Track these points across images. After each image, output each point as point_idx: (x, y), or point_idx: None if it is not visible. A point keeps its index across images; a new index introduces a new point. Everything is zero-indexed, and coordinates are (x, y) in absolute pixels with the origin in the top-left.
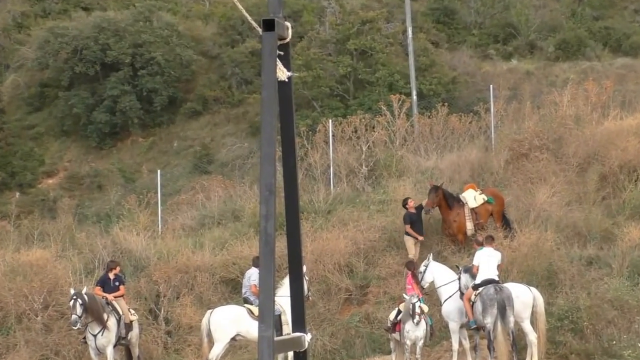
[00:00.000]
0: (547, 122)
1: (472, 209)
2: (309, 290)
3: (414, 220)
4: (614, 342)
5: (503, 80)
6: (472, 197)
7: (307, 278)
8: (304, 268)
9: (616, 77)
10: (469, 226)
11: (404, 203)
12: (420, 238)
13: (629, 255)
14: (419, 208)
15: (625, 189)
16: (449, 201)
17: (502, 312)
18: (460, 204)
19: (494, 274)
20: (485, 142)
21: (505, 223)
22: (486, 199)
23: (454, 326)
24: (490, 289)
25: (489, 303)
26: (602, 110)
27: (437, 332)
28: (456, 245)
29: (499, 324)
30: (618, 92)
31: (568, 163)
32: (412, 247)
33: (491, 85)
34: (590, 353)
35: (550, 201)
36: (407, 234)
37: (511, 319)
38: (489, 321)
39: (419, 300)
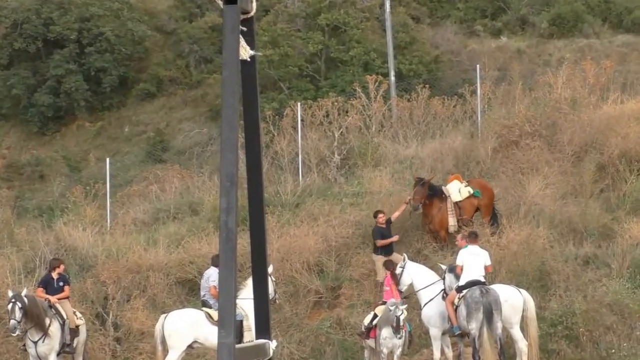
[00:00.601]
0: (539, 106)
1: (456, 203)
2: (275, 292)
3: (385, 236)
4: (613, 350)
5: (491, 59)
6: (457, 190)
7: (273, 279)
8: (270, 268)
9: (617, 56)
10: (452, 222)
11: (375, 215)
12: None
13: (630, 254)
14: (389, 222)
15: (626, 180)
16: (437, 193)
17: (489, 316)
18: (443, 197)
19: (479, 275)
20: (471, 128)
21: (494, 219)
22: (472, 191)
23: (435, 333)
24: (476, 291)
25: (474, 307)
26: (601, 93)
27: (417, 339)
28: (438, 243)
29: (485, 330)
30: (619, 72)
31: (563, 152)
32: (381, 269)
33: (478, 65)
34: None
35: (542, 194)
36: (378, 252)
37: (498, 325)
38: (474, 327)
39: (403, 311)
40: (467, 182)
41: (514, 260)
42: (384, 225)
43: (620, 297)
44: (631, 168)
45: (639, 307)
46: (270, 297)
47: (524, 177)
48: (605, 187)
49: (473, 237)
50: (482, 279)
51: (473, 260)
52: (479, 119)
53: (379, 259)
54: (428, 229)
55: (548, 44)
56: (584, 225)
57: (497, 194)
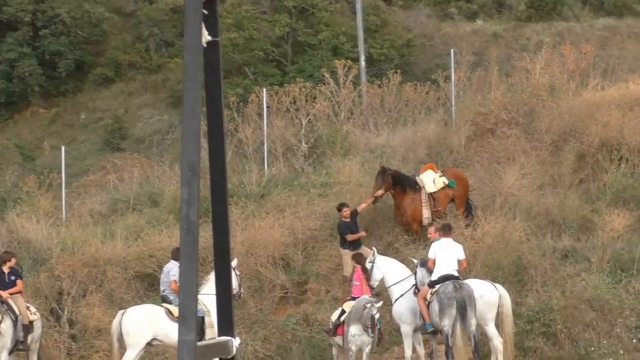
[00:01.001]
0: (516, 92)
1: (430, 194)
2: (239, 287)
3: (352, 230)
4: (593, 348)
5: (466, 43)
6: (431, 180)
7: (237, 273)
8: (234, 261)
9: (597, 41)
10: (426, 214)
11: (339, 209)
12: (364, 234)
13: (611, 247)
14: (355, 214)
15: (606, 170)
16: (402, 185)
17: (462, 313)
18: (417, 188)
19: (452, 269)
20: (445, 115)
21: (468, 210)
22: (447, 182)
23: (406, 330)
24: (449, 286)
25: (447, 303)
26: (581, 79)
27: (387, 337)
28: (410, 236)
29: (458, 326)
30: (599, 57)
31: (540, 140)
32: (349, 263)
33: (452, 50)
34: None
35: (519, 184)
36: (345, 246)
37: (472, 322)
38: (447, 323)
39: (377, 310)
40: (441, 171)
41: (489, 253)
42: (348, 219)
43: (600, 292)
44: (612, 157)
45: (619, 302)
46: (235, 292)
47: (500, 166)
48: (585, 177)
49: (447, 230)
50: (456, 274)
51: (446, 254)
52: (453, 106)
53: (347, 253)
54: (400, 221)
55: (526, 28)
56: (563, 217)
57: (472, 185)
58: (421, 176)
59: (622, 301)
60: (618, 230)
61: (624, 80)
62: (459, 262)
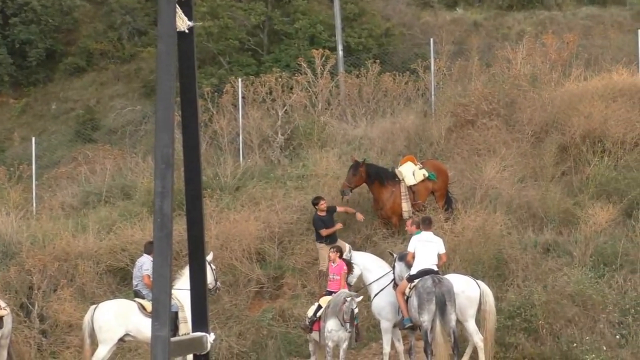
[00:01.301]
0: (497, 83)
1: (410, 187)
2: (216, 281)
3: (327, 225)
4: (575, 344)
5: (446, 32)
6: (411, 173)
7: (213, 267)
8: (210, 255)
9: (580, 30)
10: (405, 207)
11: (315, 202)
12: (360, 216)
13: (593, 241)
14: (332, 210)
15: (589, 162)
16: (379, 178)
17: (442, 308)
18: (396, 180)
19: (432, 264)
20: (424, 106)
21: (448, 203)
22: (427, 174)
23: (386, 325)
24: (428, 281)
25: (426, 297)
26: (563, 70)
27: (365, 333)
28: (389, 229)
29: (437, 322)
30: (582, 47)
31: (522, 132)
32: (325, 258)
33: (432, 39)
34: (547, 357)
35: (500, 177)
36: (321, 240)
37: (452, 317)
38: (426, 319)
39: (357, 305)
40: (421, 163)
41: (469, 247)
42: (324, 213)
43: (582, 287)
44: (595, 149)
45: (602, 298)
46: (211, 286)
47: (480, 158)
48: (567, 169)
49: (427, 223)
50: (435, 268)
51: (426, 248)
52: (433, 96)
53: (322, 248)
54: (379, 214)
55: (507, 17)
56: (544, 210)
57: (452, 177)
58: (400, 168)
59: (605, 296)
60: (601, 224)
61: (608, 70)
62: (439, 256)
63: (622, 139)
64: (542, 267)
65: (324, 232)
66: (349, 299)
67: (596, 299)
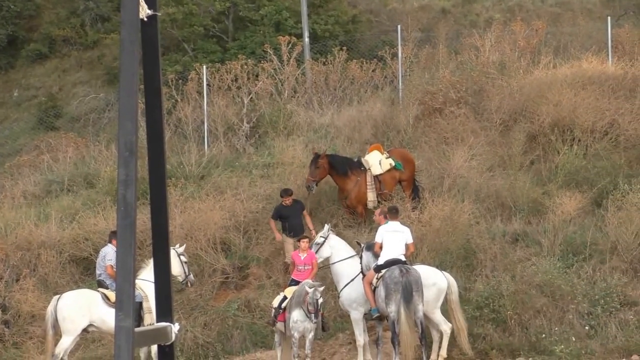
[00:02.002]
0: (465, 70)
1: (376, 177)
2: (187, 275)
3: (287, 216)
4: (544, 335)
5: (413, 19)
6: (377, 162)
7: (184, 259)
8: (182, 247)
9: (549, 17)
10: (371, 197)
11: (281, 195)
12: (279, 237)
13: (562, 230)
14: (298, 204)
15: (558, 151)
16: (344, 168)
17: (408, 298)
18: (362, 169)
19: (399, 254)
20: (392, 94)
21: (415, 192)
22: (394, 163)
23: (357, 316)
24: (395, 271)
25: (393, 288)
26: (532, 57)
27: (332, 323)
28: (355, 219)
29: (403, 312)
30: (551, 34)
31: (490, 120)
32: (290, 250)
33: (399, 26)
34: (515, 348)
35: (468, 166)
36: (285, 232)
37: (419, 307)
38: (393, 309)
39: (321, 295)
40: (388, 152)
41: (436, 237)
42: (289, 203)
43: (551, 277)
44: (564, 138)
45: (570, 288)
46: (180, 279)
47: (448, 147)
48: (536, 158)
49: (394, 213)
50: (403, 258)
51: (393, 238)
52: (400, 84)
53: (288, 241)
54: (344, 204)
55: (475, 4)
56: (513, 199)
57: (419, 166)
58: (367, 157)
59: (574, 286)
60: (570, 213)
61: (577, 58)
62: (407, 246)
63: (592, 128)
64: (510, 257)
65: (271, 223)
66: (311, 289)
67: (565, 289)
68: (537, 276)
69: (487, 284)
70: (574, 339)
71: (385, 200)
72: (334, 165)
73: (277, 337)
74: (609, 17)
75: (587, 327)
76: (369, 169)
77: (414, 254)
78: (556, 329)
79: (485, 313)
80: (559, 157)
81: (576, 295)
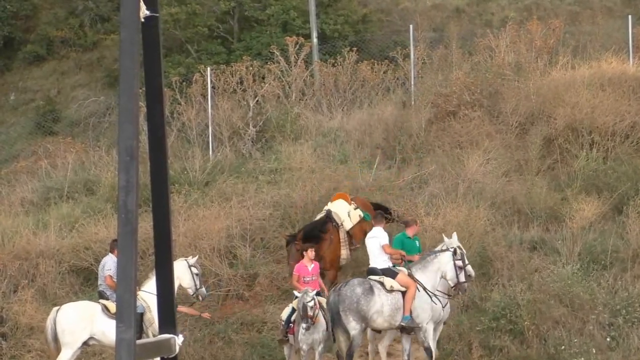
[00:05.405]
0: (480, 72)
1: (347, 231)
2: (198, 287)
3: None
4: (563, 347)
5: (426, 19)
6: (346, 214)
7: (196, 271)
8: (194, 258)
9: (567, 16)
10: (344, 254)
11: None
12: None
13: (582, 238)
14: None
15: (576, 155)
16: (317, 231)
17: (335, 318)
18: (334, 225)
19: (375, 261)
20: (404, 96)
21: None
22: (362, 215)
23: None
24: (333, 292)
25: (329, 308)
26: (549, 57)
27: None
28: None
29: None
30: (569, 34)
31: (506, 123)
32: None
33: (411, 26)
34: None
35: (483, 170)
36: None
37: (352, 326)
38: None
39: (314, 297)
40: (353, 202)
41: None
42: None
43: (570, 286)
44: (582, 142)
45: (591, 297)
46: (191, 291)
47: (463, 151)
48: (554, 162)
49: (378, 219)
50: (378, 266)
51: (371, 245)
52: (413, 86)
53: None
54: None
55: (490, 2)
56: (530, 206)
57: (433, 171)
58: (334, 208)
59: (594, 296)
60: (589, 220)
61: (596, 58)
62: (382, 248)
63: (612, 130)
64: (528, 266)
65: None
66: (300, 294)
67: (584, 298)
68: (555, 285)
69: (503, 293)
70: (594, 351)
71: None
72: (308, 237)
73: (286, 350)
74: (629, 16)
75: (608, 339)
76: (342, 224)
77: None
78: (576, 340)
79: (502, 324)
80: (578, 162)
81: (596, 305)
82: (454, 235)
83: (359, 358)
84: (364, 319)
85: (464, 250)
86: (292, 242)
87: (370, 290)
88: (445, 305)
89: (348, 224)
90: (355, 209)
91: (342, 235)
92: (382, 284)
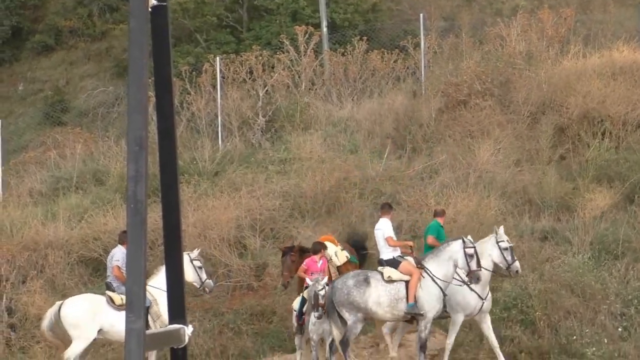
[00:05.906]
0: (491, 61)
1: (337, 267)
2: (203, 280)
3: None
4: (574, 337)
5: (436, 7)
6: (333, 254)
7: (199, 265)
8: (197, 251)
9: (579, 4)
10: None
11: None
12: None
13: (593, 228)
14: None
15: (588, 145)
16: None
17: (330, 311)
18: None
19: (381, 253)
20: (414, 85)
21: None
22: (349, 256)
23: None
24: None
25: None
26: (560, 46)
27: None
28: None
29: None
30: (580, 22)
31: (517, 112)
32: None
33: (422, 14)
34: (545, 351)
35: (494, 160)
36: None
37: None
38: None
39: (325, 286)
40: (341, 246)
41: (462, 234)
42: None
43: (582, 276)
44: (594, 131)
45: (602, 287)
46: (197, 285)
47: (473, 141)
48: (565, 152)
49: (385, 210)
50: (384, 257)
51: (377, 236)
52: (423, 75)
53: None
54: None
55: None
56: (541, 195)
57: (443, 161)
58: None
59: (606, 286)
60: (601, 209)
61: (607, 47)
62: (386, 240)
63: (624, 120)
64: (539, 256)
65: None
66: (312, 282)
67: (596, 288)
68: (567, 275)
69: (514, 283)
70: (606, 341)
71: None
72: (305, 249)
73: (297, 340)
74: None
75: (620, 329)
76: (330, 259)
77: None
78: (587, 330)
79: (513, 314)
80: (589, 151)
81: (608, 295)
82: (502, 228)
83: (367, 349)
84: (359, 309)
85: (473, 243)
86: (288, 254)
87: (365, 281)
88: (487, 296)
89: (336, 262)
90: (342, 250)
91: (333, 270)
92: (382, 274)
